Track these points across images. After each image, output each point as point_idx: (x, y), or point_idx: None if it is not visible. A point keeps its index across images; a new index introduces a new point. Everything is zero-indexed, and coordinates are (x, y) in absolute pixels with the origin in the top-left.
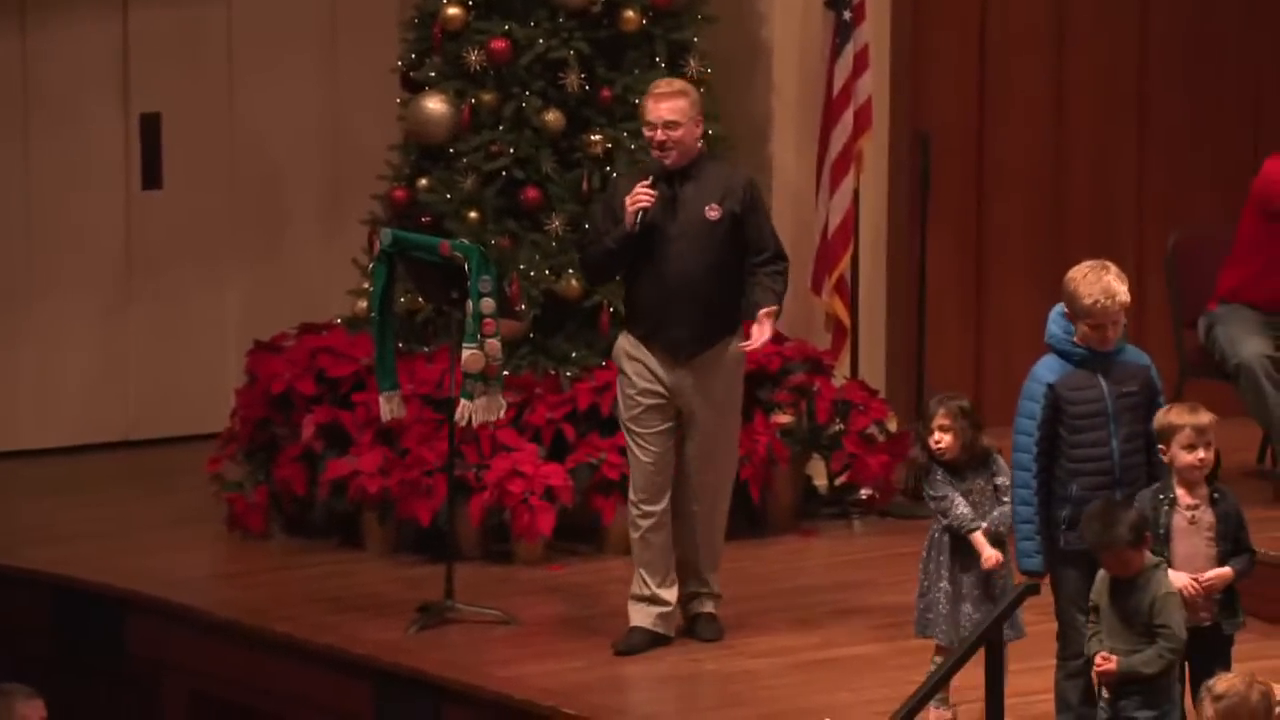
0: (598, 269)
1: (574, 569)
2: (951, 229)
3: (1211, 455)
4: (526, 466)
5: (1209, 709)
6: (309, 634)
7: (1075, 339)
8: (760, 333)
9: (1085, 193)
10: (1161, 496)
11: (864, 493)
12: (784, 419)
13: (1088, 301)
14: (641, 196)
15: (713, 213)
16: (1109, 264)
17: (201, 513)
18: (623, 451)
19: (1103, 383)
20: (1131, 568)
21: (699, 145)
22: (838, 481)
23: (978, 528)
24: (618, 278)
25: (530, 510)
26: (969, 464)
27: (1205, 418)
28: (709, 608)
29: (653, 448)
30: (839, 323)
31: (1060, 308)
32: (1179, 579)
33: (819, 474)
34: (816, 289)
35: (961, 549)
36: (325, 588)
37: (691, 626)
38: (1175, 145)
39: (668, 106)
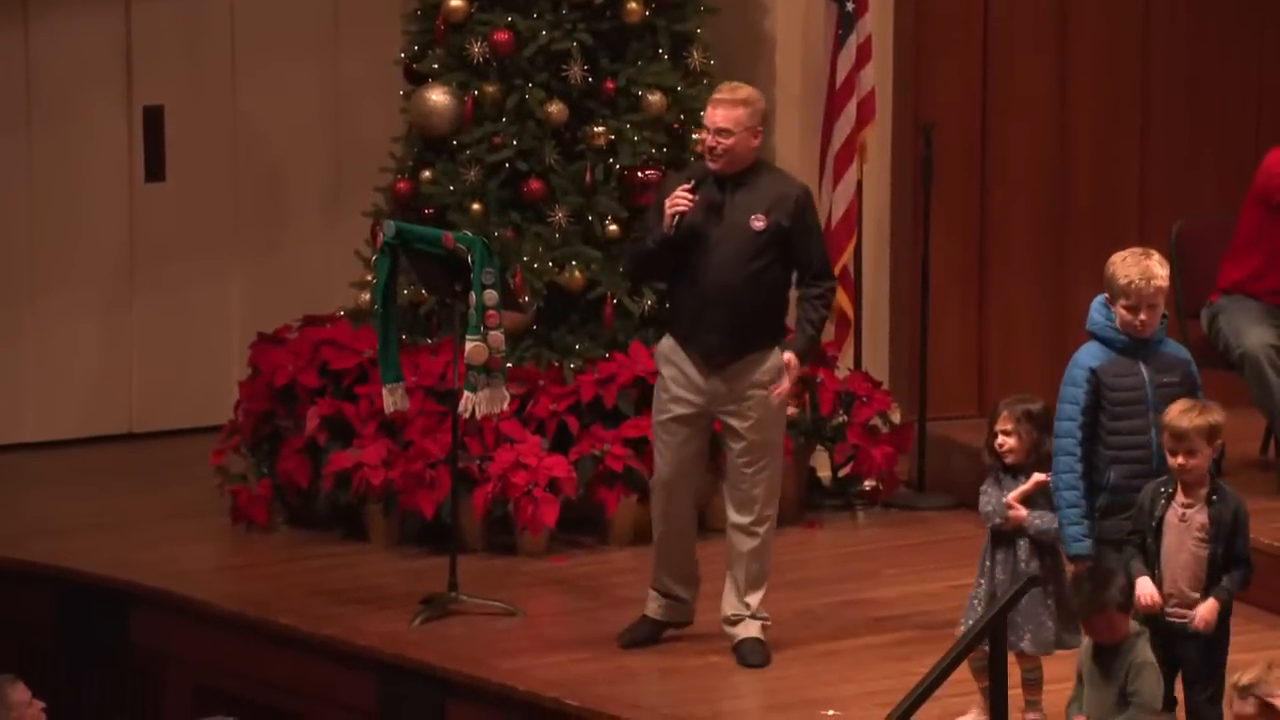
0: (638, 268)
1: (577, 561)
2: (954, 220)
3: (1197, 461)
4: (530, 458)
5: (1241, 705)
6: (313, 626)
7: (1116, 325)
8: (781, 382)
9: (1088, 184)
10: (1162, 489)
11: (868, 484)
12: (788, 410)
13: (1123, 281)
14: (680, 201)
15: (758, 223)
16: (1153, 251)
17: (205, 505)
18: (625, 443)
19: (1144, 370)
20: (1119, 632)
21: (754, 154)
22: (841, 473)
23: (997, 524)
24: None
25: (534, 502)
26: (1036, 467)
27: (1187, 422)
28: (753, 632)
29: (672, 455)
30: (842, 314)
31: (1103, 296)
32: (1145, 587)
33: (823, 465)
34: None
35: (997, 551)
36: (329, 580)
37: (736, 650)
38: (1178, 137)
39: (723, 114)
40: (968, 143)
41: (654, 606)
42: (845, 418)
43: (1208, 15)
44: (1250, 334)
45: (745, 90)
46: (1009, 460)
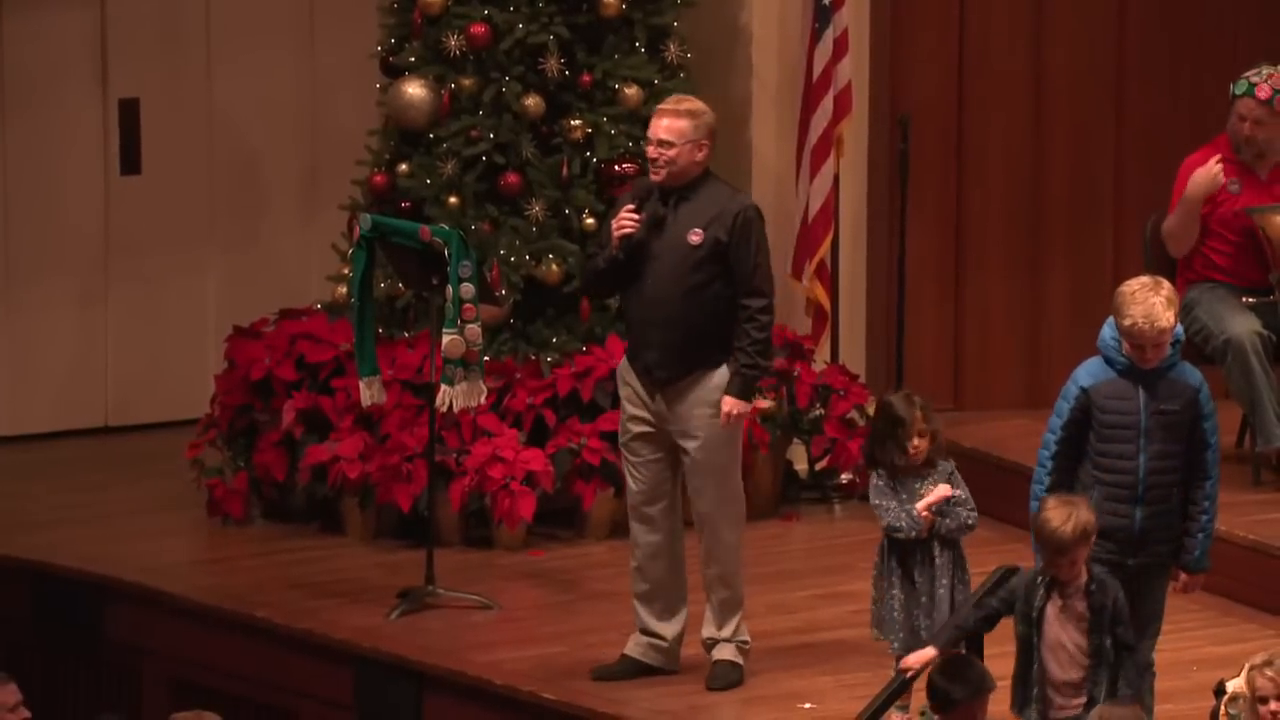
0: (591, 286)
1: (554, 554)
2: (931, 213)
3: (1076, 569)
4: (507, 452)
5: (1260, 679)
6: (289, 620)
7: (1123, 349)
8: (724, 417)
9: (1064, 177)
10: (1040, 579)
11: (844, 477)
12: (764, 404)
13: (1127, 322)
14: (626, 222)
15: (694, 237)
16: (1163, 283)
17: (181, 499)
18: (602, 436)
19: (1141, 396)
20: None
21: (699, 167)
22: (818, 466)
23: (913, 535)
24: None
25: (511, 495)
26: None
27: (1068, 533)
28: (725, 654)
29: (641, 475)
30: (819, 307)
31: None
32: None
33: (799, 459)
34: (797, 274)
35: (907, 557)
36: (305, 573)
37: (709, 672)
38: (1153, 129)
39: (666, 125)
40: (944, 136)
41: (633, 645)
42: (822, 411)
43: (1183, 5)
44: (1235, 322)
45: (691, 102)
46: (918, 461)
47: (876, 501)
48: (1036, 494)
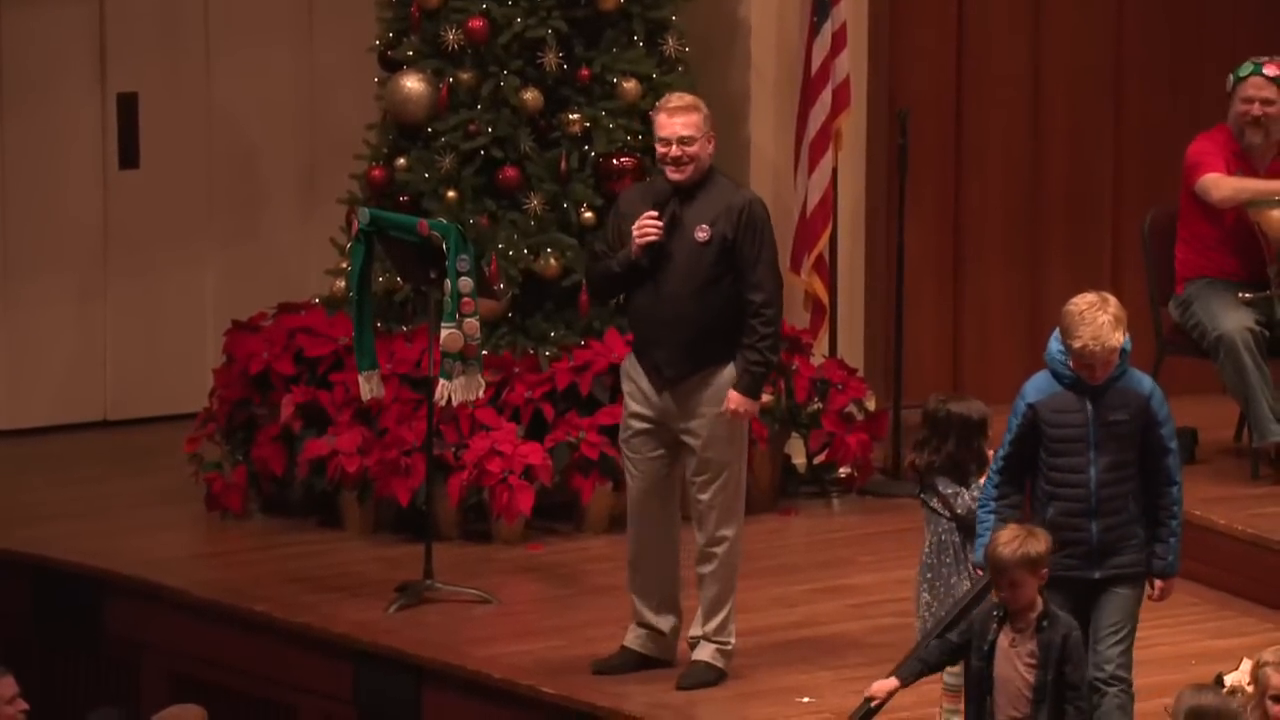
0: (601, 289)
1: (553, 548)
2: (929, 207)
3: (1021, 593)
4: (505, 446)
5: (1277, 676)
6: (288, 614)
7: (1070, 363)
8: (728, 412)
9: (1063, 170)
10: (995, 613)
11: (842, 471)
12: (763, 398)
13: (1077, 344)
14: (649, 229)
15: (701, 234)
16: (1110, 300)
17: (180, 493)
18: (600, 430)
19: (1088, 408)
20: None
21: (708, 161)
22: (816, 460)
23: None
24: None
25: (509, 489)
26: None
27: (1008, 554)
28: (704, 655)
29: (640, 472)
30: (818, 301)
31: None
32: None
33: (797, 453)
34: (795, 268)
35: (959, 548)
36: (304, 567)
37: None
38: (1152, 123)
39: (682, 121)
40: (942, 130)
41: (632, 636)
42: (820, 405)
43: (1182, 1)
44: (1227, 318)
45: (693, 97)
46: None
47: (947, 491)
48: (981, 501)
